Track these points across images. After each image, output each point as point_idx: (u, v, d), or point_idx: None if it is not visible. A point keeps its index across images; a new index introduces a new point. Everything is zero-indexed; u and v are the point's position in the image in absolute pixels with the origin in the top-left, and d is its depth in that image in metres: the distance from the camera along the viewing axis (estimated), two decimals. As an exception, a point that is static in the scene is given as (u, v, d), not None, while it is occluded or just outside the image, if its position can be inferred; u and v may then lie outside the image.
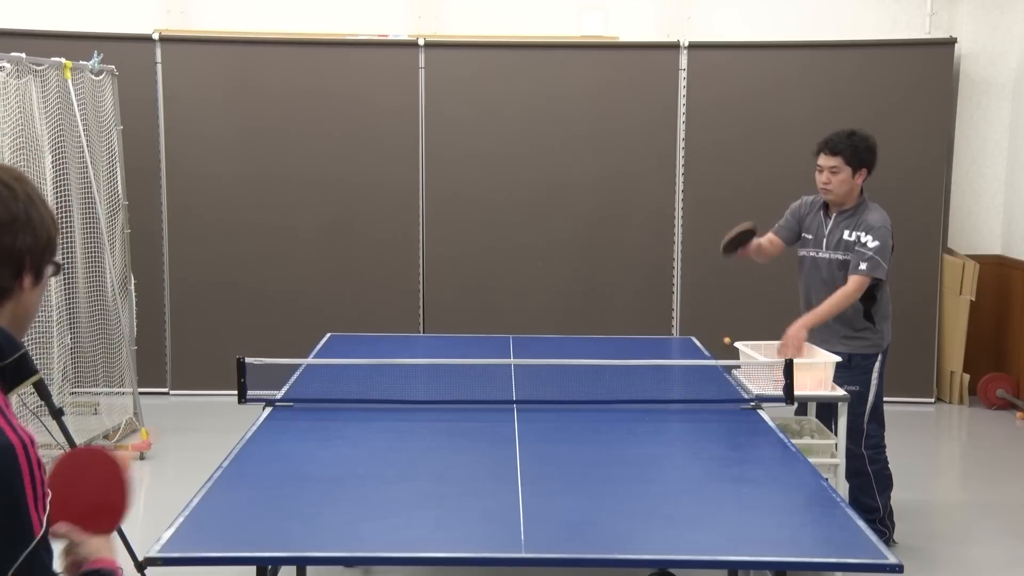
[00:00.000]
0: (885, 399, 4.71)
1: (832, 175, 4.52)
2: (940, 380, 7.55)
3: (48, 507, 1.59)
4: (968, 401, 7.45)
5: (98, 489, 1.82)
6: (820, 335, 4.58)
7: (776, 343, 4.60)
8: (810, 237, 4.69)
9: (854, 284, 4.46)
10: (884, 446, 4.65)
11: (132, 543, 3.72)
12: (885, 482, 4.63)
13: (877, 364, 4.58)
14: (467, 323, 7.16)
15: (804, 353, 4.42)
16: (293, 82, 7.36)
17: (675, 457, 3.56)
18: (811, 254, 4.69)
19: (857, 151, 4.50)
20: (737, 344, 4.63)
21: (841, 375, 4.46)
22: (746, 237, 4.68)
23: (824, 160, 4.55)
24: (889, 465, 4.67)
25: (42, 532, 1.56)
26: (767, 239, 4.83)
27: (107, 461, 1.87)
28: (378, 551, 2.66)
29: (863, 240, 4.48)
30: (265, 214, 7.42)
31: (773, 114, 7.35)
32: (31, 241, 1.66)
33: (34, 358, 3.32)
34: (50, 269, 1.73)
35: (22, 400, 4.18)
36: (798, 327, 4.46)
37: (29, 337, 5.44)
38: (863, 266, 4.44)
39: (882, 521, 4.61)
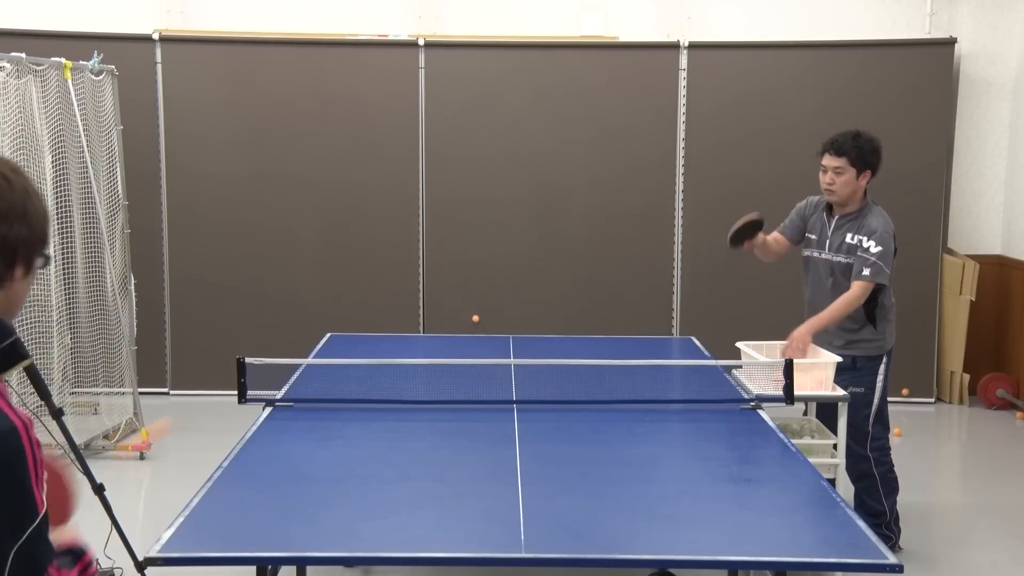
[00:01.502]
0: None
1: (836, 176, 4.50)
2: (940, 380, 7.55)
3: (45, 486, 1.64)
4: (968, 401, 7.45)
5: (52, 490, 1.90)
6: (823, 337, 4.58)
7: (777, 343, 4.61)
8: (813, 237, 4.69)
9: (857, 290, 4.45)
10: (889, 448, 4.64)
11: (132, 543, 3.72)
12: (891, 485, 4.62)
13: (882, 367, 4.57)
14: (467, 323, 7.17)
15: (808, 356, 4.42)
16: (293, 82, 7.36)
17: (675, 457, 3.56)
18: (814, 254, 4.68)
19: (862, 152, 4.48)
20: (738, 344, 4.63)
21: (845, 377, 4.46)
22: (753, 228, 4.65)
23: (829, 160, 4.52)
24: (895, 468, 4.67)
25: (44, 511, 1.61)
26: (773, 237, 4.82)
27: (50, 467, 1.94)
28: (378, 551, 2.66)
29: (865, 245, 4.46)
30: (265, 214, 7.42)
31: (773, 114, 7.35)
32: (26, 232, 1.69)
33: (34, 358, 3.33)
34: (40, 261, 1.76)
35: (22, 400, 4.18)
36: (803, 331, 4.45)
37: (30, 338, 5.44)
38: (866, 272, 4.43)
39: (888, 526, 4.60)
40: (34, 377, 3.24)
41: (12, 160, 1.78)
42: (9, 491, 1.57)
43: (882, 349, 4.57)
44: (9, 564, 1.57)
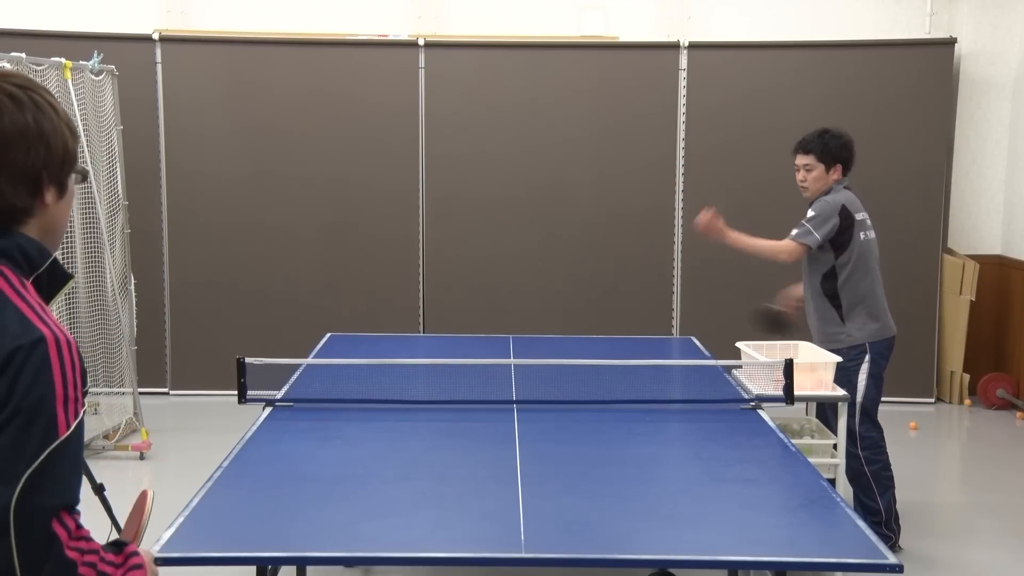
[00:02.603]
0: (885, 399, 4.71)
1: (807, 173, 4.66)
2: (940, 380, 7.55)
3: (80, 413, 1.52)
4: (969, 401, 7.45)
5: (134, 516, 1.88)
6: (808, 335, 4.63)
7: (777, 343, 4.62)
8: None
9: (782, 244, 4.58)
10: (883, 447, 4.64)
11: (132, 543, 3.72)
12: (885, 483, 4.62)
13: (865, 366, 4.57)
14: (467, 323, 7.17)
15: (708, 226, 4.58)
16: (293, 82, 7.36)
17: (675, 457, 3.56)
18: None
19: (828, 148, 4.61)
20: (738, 344, 4.64)
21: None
22: (782, 319, 4.77)
23: (799, 159, 4.68)
24: (891, 467, 4.66)
25: (67, 434, 1.48)
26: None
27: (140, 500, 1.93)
28: (378, 551, 2.66)
29: (807, 213, 4.60)
30: (265, 214, 7.42)
31: (773, 114, 7.34)
32: (45, 154, 1.57)
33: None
34: (74, 179, 1.64)
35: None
36: (724, 229, 4.63)
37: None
38: (794, 232, 4.57)
39: (887, 525, 4.60)
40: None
41: (21, 74, 1.64)
42: (28, 403, 1.45)
43: (855, 342, 4.57)
44: (18, 491, 1.44)
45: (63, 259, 5.90)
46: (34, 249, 1.60)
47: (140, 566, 1.63)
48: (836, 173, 4.64)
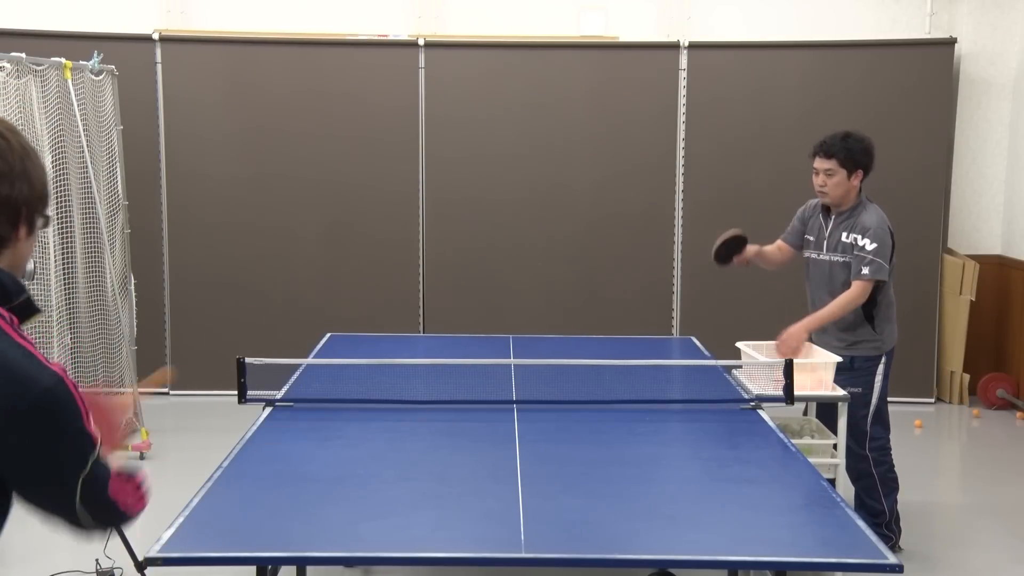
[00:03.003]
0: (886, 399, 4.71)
1: (828, 178, 4.52)
2: (940, 380, 7.55)
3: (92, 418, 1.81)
4: (968, 401, 7.45)
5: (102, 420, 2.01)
6: (821, 338, 4.58)
7: (773, 343, 4.61)
8: (812, 239, 4.70)
9: (857, 289, 4.45)
10: (889, 448, 4.64)
11: (132, 543, 3.72)
12: (890, 485, 4.62)
13: (881, 367, 4.56)
14: (467, 323, 7.16)
15: (801, 354, 4.41)
16: (293, 82, 7.36)
17: (675, 457, 3.56)
18: (812, 256, 4.69)
19: (852, 153, 4.49)
20: (738, 344, 4.63)
21: (844, 377, 4.46)
22: (737, 244, 4.70)
23: (819, 163, 4.54)
24: (895, 469, 4.67)
25: (99, 441, 1.79)
26: (776, 246, 4.85)
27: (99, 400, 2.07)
28: (378, 551, 2.66)
29: (860, 243, 4.46)
30: (265, 214, 7.42)
31: (773, 114, 7.35)
32: (27, 191, 1.73)
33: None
34: (41, 221, 1.80)
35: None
36: (799, 328, 4.46)
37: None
38: (865, 271, 4.43)
39: (888, 526, 4.60)
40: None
41: (8, 120, 1.84)
42: (70, 435, 1.73)
43: (880, 350, 4.57)
44: (80, 489, 1.76)
45: (63, 259, 5.90)
46: (9, 280, 1.77)
47: (143, 486, 1.97)
48: (857, 179, 4.53)
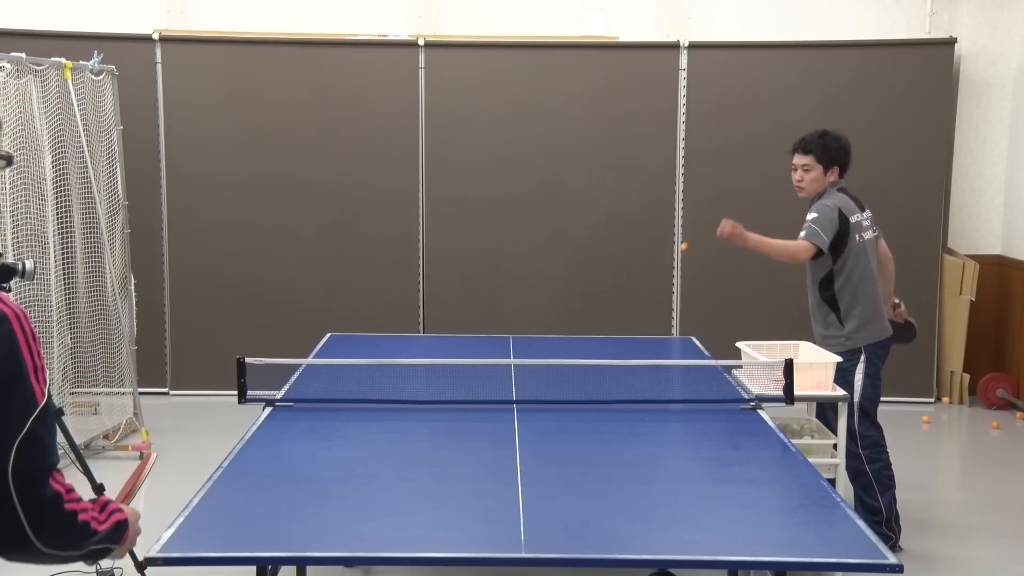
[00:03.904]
0: (884, 399, 4.71)
1: (805, 173, 4.66)
2: (940, 380, 7.55)
3: (47, 380, 1.63)
4: (968, 401, 7.45)
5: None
6: (809, 337, 4.63)
7: (777, 343, 4.62)
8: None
9: (795, 243, 4.56)
10: (883, 446, 4.65)
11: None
12: (885, 482, 4.62)
13: (861, 365, 4.58)
14: (467, 323, 7.17)
15: (731, 234, 4.52)
16: (293, 82, 7.36)
17: (675, 457, 3.56)
18: None
19: (828, 150, 4.62)
20: (738, 344, 4.64)
21: None
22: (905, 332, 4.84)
23: (798, 159, 4.69)
24: (891, 466, 4.67)
25: (44, 400, 1.60)
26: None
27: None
28: (378, 551, 2.66)
29: (808, 216, 4.60)
30: (265, 214, 7.42)
31: (773, 114, 7.34)
32: None
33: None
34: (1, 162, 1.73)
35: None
36: (741, 228, 4.57)
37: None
38: (801, 234, 4.56)
39: (887, 524, 4.60)
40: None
41: None
42: (5, 380, 1.56)
43: (853, 344, 4.59)
44: (13, 457, 1.56)
45: (63, 259, 5.90)
46: None
47: (119, 510, 1.78)
48: (833, 175, 4.65)
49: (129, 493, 1.96)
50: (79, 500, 1.70)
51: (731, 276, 7.31)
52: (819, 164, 4.62)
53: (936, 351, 7.50)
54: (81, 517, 1.68)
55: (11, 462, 1.56)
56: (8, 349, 1.57)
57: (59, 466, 1.68)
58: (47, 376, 1.63)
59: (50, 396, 1.64)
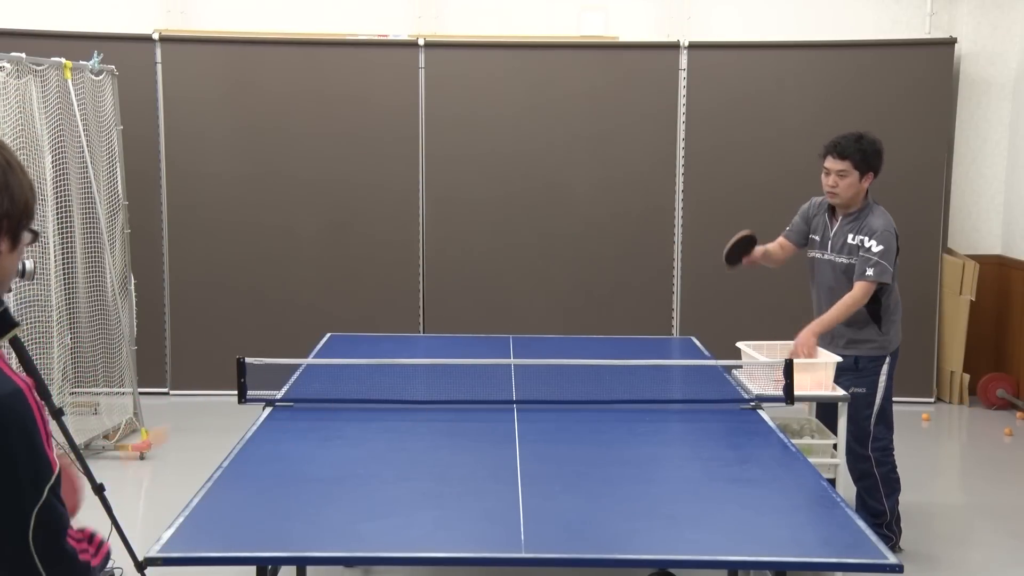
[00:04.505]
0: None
1: (840, 179, 4.47)
2: (940, 380, 7.55)
3: (54, 447, 1.67)
4: (968, 401, 7.45)
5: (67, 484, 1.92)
6: (825, 338, 4.57)
7: (778, 343, 4.61)
8: (817, 239, 4.68)
9: (860, 290, 4.42)
10: (892, 449, 4.63)
11: (132, 543, 3.72)
12: (892, 485, 4.61)
13: (885, 367, 4.55)
14: (467, 323, 7.17)
15: (816, 354, 4.41)
16: (293, 82, 7.36)
17: (675, 457, 3.56)
18: (817, 256, 4.68)
19: (866, 155, 4.45)
20: (739, 344, 4.63)
21: (848, 377, 4.46)
22: (748, 244, 4.66)
23: (832, 163, 4.49)
24: (897, 469, 4.66)
25: (58, 469, 1.65)
26: (777, 243, 4.83)
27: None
28: (378, 551, 2.66)
29: (867, 244, 4.44)
30: (265, 214, 7.42)
31: (773, 114, 7.35)
32: (8, 206, 1.68)
33: (34, 358, 3.33)
34: (27, 236, 1.75)
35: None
36: (807, 334, 4.42)
37: (30, 338, 5.44)
38: (869, 272, 4.40)
39: (888, 526, 4.59)
40: (18, 348, 3.24)
41: None
42: (25, 452, 1.61)
43: (885, 350, 4.56)
44: (32, 524, 1.61)
45: (63, 259, 5.90)
46: None
47: (103, 541, 1.85)
48: (867, 181, 4.50)
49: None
50: (81, 541, 1.76)
51: (731, 276, 7.27)
52: (856, 170, 4.44)
53: (936, 351, 7.50)
54: (82, 558, 1.74)
55: (31, 530, 1.62)
56: (28, 424, 1.62)
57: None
58: (52, 442, 1.68)
59: (59, 462, 1.70)
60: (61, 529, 1.68)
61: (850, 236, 4.51)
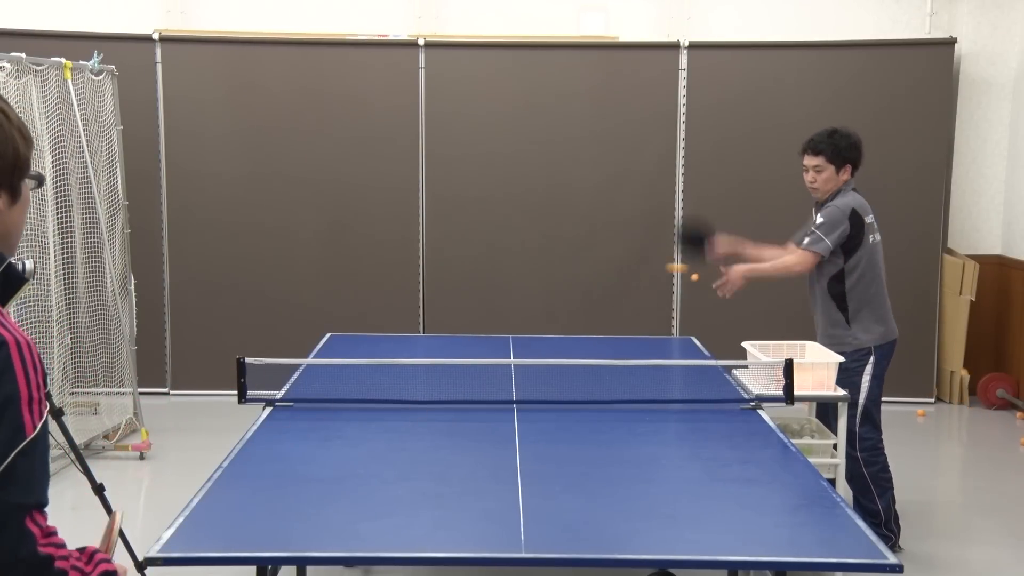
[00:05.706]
0: (885, 399, 4.71)
1: (817, 174, 4.61)
2: (940, 380, 7.55)
3: (44, 414, 1.55)
4: (968, 401, 7.45)
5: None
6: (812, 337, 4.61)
7: (784, 343, 4.62)
8: (800, 232, 4.73)
9: (795, 256, 4.58)
10: (881, 448, 4.63)
11: (132, 543, 3.72)
12: (883, 485, 4.62)
13: (869, 367, 4.56)
14: (467, 323, 7.16)
15: (738, 280, 4.55)
16: (293, 82, 7.36)
17: (675, 457, 3.56)
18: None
19: (838, 149, 4.57)
20: (744, 344, 4.63)
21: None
22: (699, 235, 4.77)
23: (808, 160, 4.63)
24: (889, 468, 4.66)
25: (34, 434, 1.52)
26: (784, 247, 4.87)
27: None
28: (378, 551, 2.66)
29: (816, 219, 4.56)
30: (265, 214, 7.42)
31: (773, 114, 7.35)
32: None
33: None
34: (29, 184, 1.66)
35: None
36: (739, 272, 4.61)
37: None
38: (805, 241, 4.55)
39: (886, 526, 4.59)
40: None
41: None
42: None
43: (860, 345, 4.57)
44: None
45: (63, 259, 5.90)
46: None
47: (107, 561, 1.69)
48: (846, 174, 4.60)
49: (106, 551, 1.88)
50: (60, 546, 1.60)
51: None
52: (830, 164, 4.57)
53: (936, 351, 7.50)
54: (58, 564, 1.57)
55: None
56: (5, 379, 1.50)
57: (45, 507, 1.59)
58: (44, 410, 1.56)
59: (43, 432, 1.56)
60: (22, 505, 1.51)
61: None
